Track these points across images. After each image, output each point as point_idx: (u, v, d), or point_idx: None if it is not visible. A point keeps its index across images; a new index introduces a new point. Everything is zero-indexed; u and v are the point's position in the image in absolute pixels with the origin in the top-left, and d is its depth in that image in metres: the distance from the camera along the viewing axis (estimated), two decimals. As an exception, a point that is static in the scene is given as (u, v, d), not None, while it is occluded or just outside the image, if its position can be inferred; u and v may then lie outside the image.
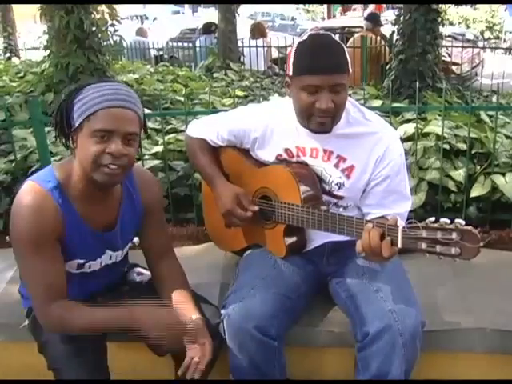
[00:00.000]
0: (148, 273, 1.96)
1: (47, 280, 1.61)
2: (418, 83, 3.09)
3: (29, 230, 1.57)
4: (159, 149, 3.32)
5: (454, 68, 8.24)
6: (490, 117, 3.48)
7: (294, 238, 1.96)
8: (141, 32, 10.14)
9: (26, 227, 1.57)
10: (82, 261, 1.74)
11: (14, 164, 3.25)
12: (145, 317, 1.60)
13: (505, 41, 18.30)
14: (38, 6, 5.40)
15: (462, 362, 2.07)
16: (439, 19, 5.73)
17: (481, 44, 11.08)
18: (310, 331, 2.01)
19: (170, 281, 1.84)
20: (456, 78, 7.93)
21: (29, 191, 1.60)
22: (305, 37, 1.78)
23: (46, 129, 3.00)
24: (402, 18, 5.79)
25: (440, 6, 5.73)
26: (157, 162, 3.20)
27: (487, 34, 19.48)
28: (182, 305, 1.76)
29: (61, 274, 1.65)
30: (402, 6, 5.90)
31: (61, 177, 1.63)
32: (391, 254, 1.55)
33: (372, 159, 1.86)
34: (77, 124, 1.56)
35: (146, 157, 3.24)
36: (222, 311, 1.81)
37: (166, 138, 3.34)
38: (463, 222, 1.41)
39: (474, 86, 8.17)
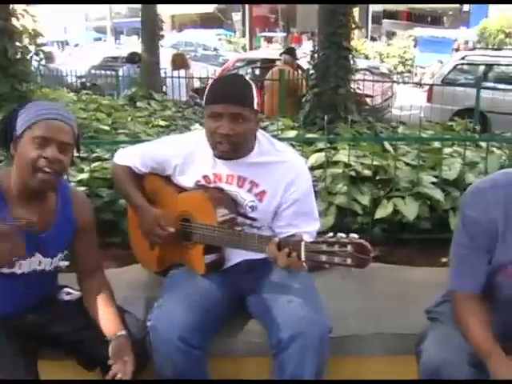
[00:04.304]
0: (77, 293, 2.06)
1: None
2: (326, 116, 3.37)
3: None
4: (84, 176, 3.42)
5: (367, 100, 8.71)
6: (394, 146, 3.82)
7: (213, 257, 2.11)
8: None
9: None
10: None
11: None
12: None
13: (416, 75, 19.37)
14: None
15: (367, 365, 2.23)
16: (350, 56, 6.14)
17: (395, 77, 11.70)
18: (231, 342, 2.13)
19: (97, 296, 1.96)
20: (369, 109, 8.36)
21: None
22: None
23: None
24: (316, 54, 6.16)
25: (351, 43, 6.16)
26: (82, 188, 3.29)
27: (400, 68, 20.54)
28: (108, 320, 1.89)
29: None
30: (316, 43, 6.29)
31: None
32: (289, 264, 1.76)
33: (282, 185, 2.08)
34: (19, 132, 1.77)
35: (72, 184, 3.32)
36: (148, 324, 1.93)
37: (92, 165, 3.45)
38: (357, 236, 1.62)
39: (387, 117, 8.67)
